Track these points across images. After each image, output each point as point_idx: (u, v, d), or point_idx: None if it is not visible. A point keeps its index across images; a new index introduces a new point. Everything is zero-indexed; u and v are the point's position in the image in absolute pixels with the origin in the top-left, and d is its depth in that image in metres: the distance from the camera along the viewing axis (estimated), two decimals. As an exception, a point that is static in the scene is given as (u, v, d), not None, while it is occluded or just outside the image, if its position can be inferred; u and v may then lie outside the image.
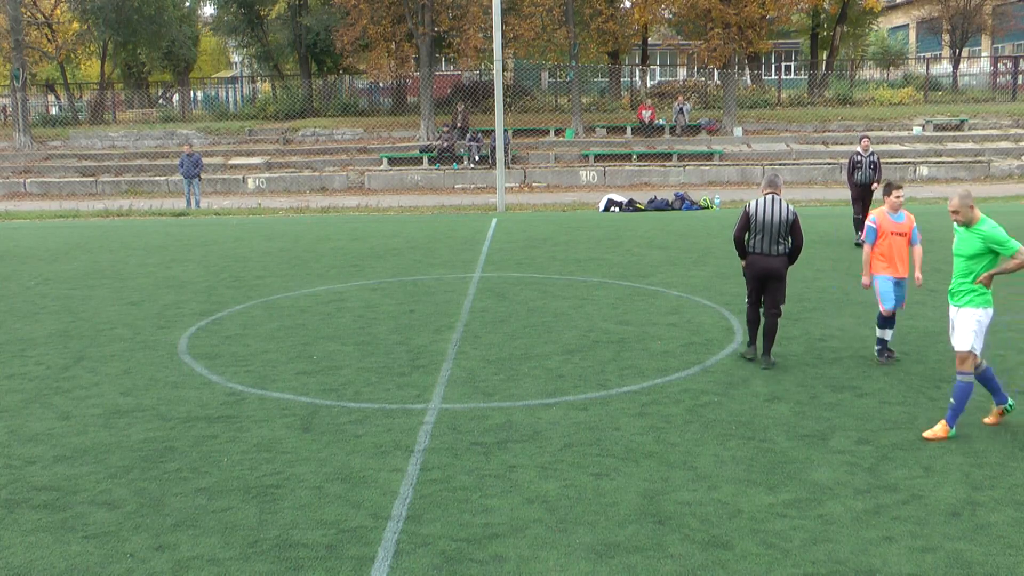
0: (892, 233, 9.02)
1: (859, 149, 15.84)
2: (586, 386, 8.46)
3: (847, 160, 16.49)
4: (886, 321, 9.04)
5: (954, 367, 8.81)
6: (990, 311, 7.05)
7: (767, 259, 8.87)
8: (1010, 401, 7.33)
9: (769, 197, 8.88)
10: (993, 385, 7.21)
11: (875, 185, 15.72)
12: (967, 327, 7.01)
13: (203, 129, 35.37)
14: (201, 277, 14.44)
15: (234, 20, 40.61)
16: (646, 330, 10.52)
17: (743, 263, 9.15)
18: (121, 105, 42.43)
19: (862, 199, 15.90)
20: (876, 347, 9.20)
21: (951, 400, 7.08)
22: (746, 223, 8.88)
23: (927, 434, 7.04)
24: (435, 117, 33.43)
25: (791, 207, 8.90)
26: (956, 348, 7.07)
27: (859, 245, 15.11)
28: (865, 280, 9.06)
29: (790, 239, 8.87)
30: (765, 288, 9.00)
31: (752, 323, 9.26)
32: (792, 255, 8.96)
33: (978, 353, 7.05)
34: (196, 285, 13.77)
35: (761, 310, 9.19)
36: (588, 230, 19.14)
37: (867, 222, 9.15)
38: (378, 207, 25.36)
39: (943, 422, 7.08)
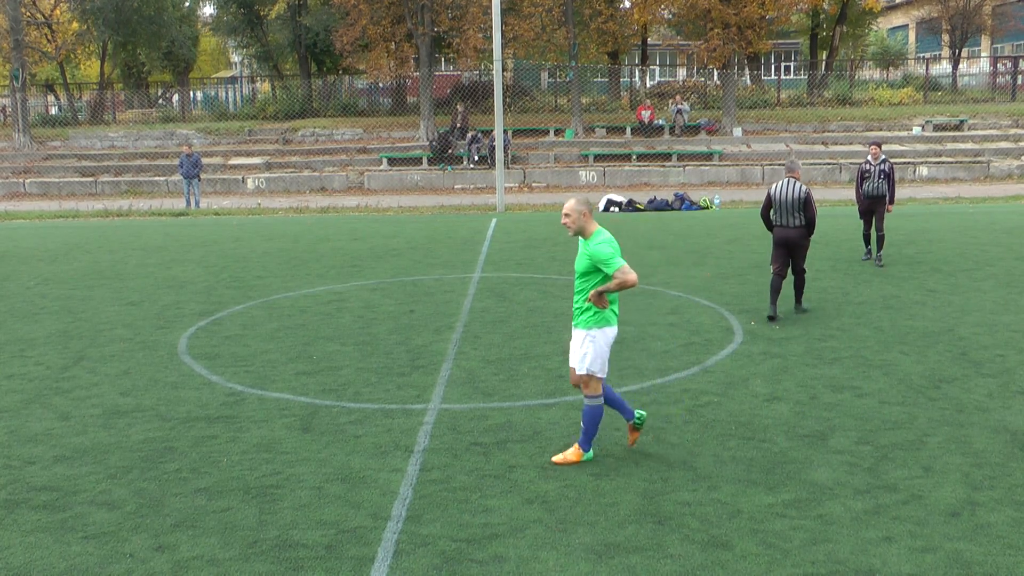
0: None
1: (869, 157, 14.35)
2: (586, 386, 8.45)
3: (856, 171, 14.78)
4: None
5: (953, 367, 8.85)
6: (608, 330, 6.45)
7: (786, 230, 10.74)
8: (638, 412, 6.83)
9: (787, 180, 10.73)
10: (616, 404, 6.74)
11: (890, 207, 14.18)
12: (582, 349, 6.46)
13: (203, 129, 35.37)
14: (201, 277, 14.44)
15: (234, 20, 40.62)
16: (645, 330, 10.52)
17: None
18: (121, 105, 42.43)
19: (871, 211, 14.33)
20: None
21: (581, 424, 6.66)
22: (768, 202, 10.82)
23: (557, 459, 6.62)
24: (435, 117, 33.43)
25: (803, 187, 10.63)
26: (576, 371, 6.51)
27: (863, 261, 14.43)
28: None
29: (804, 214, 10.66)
30: (790, 255, 10.85)
31: (774, 291, 10.85)
32: (808, 227, 10.69)
33: (605, 374, 6.53)
34: (196, 285, 13.77)
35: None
36: (588, 230, 19.10)
37: None
38: (378, 207, 25.36)
39: (576, 446, 6.65)
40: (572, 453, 6.67)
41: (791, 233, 10.72)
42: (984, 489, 6.12)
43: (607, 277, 6.31)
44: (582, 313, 6.46)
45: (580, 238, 6.50)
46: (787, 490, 6.15)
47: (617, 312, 6.55)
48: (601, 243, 6.32)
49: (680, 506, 5.93)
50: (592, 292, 6.31)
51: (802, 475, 6.39)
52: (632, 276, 6.23)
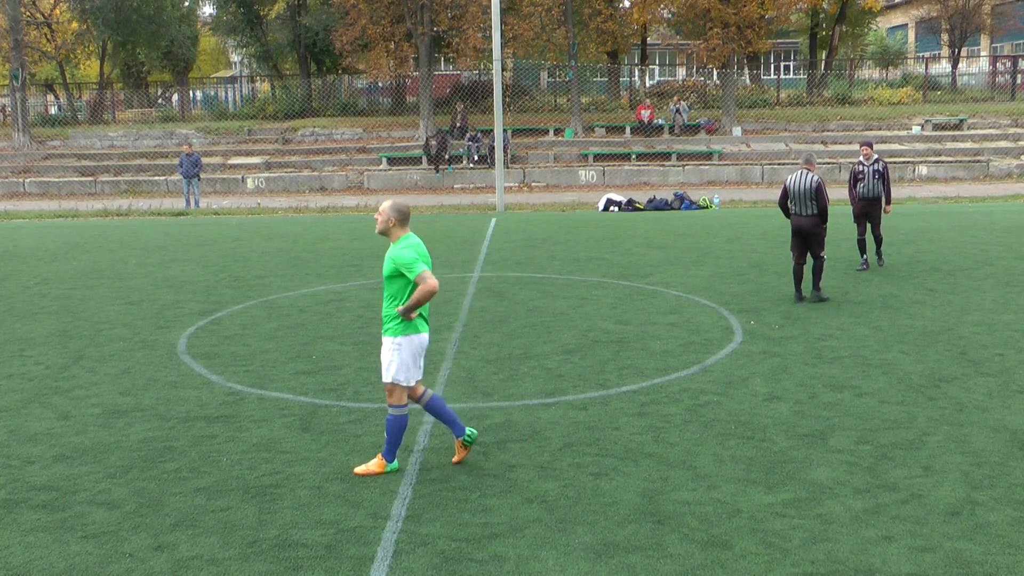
0: None
1: (861, 158, 13.67)
2: (585, 386, 8.46)
3: (849, 172, 14.09)
4: None
5: (952, 366, 8.85)
6: (414, 338, 6.34)
7: (801, 218, 11.50)
8: (469, 430, 6.64)
9: (801, 172, 11.43)
10: (445, 416, 6.57)
11: (887, 208, 13.64)
12: (386, 358, 6.38)
13: (202, 129, 35.36)
14: (200, 277, 14.44)
15: (233, 20, 40.60)
16: (645, 330, 10.52)
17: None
18: (120, 105, 42.41)
19: (867, 215, 13.65)
20: None
21: (385, 434, 6.57)
22: (785, 192, 11.59)
23: (359, 470, 6.49)
24: (434, 117, 33.42)
25: (815, 178, 11.32)
26: (383, 379, 6.46)
27: (860, 271, 13.61)
28: None
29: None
30: (806, 242, 11.53)
31: (796, 277, 11.74)
32: (820, 215, 11.36)
33: (410, 383, 6.41)
34: (195, 285, 13.76)
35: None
36: (587, 230, 19.15)
37: None
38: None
39: (379, 456, 6.53)
40: (375, 464, 6.51)
41: (805, 221, 11.47)
42: (984, 488, 6.12)
43: (410, 282, 6.24)
44: (390, 321, 6.37)
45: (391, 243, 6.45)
46: (787, 489, 6.15)
47: (427, 318, 6.48)
48: (404, 247, 6.27)
49: (680, 505, 5.93)
50: (400, 309, 6.24)
51: (802, 474, 6.39)
52: (432, 283, 6.14)
